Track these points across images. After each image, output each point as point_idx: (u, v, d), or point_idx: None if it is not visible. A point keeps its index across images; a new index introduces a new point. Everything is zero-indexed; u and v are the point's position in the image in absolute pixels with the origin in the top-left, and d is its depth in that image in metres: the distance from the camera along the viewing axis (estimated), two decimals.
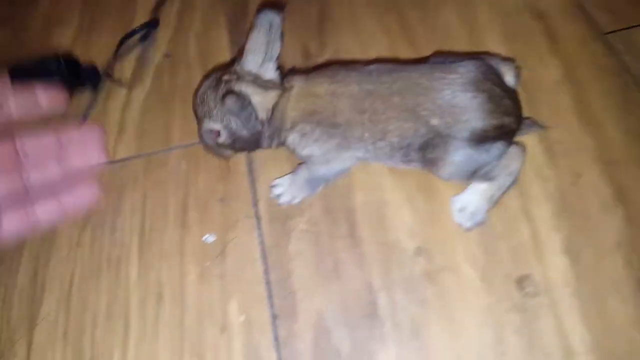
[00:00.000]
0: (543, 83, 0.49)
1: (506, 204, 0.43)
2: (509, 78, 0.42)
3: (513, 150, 0.41)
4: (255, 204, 0.46)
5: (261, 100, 0.41)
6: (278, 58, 0.43)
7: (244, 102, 0.40)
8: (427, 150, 0.39)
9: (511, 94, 0.40)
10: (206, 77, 0.44)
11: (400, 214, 0.43)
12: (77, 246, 0.47)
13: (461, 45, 0.53)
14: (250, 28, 0.41)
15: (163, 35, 0.61)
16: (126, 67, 0.58)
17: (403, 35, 0.55)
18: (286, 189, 0.46)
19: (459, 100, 0.37)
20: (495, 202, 0.41)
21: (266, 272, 0.43)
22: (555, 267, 0.40)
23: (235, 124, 0.41)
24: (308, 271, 0.42)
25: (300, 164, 0.46)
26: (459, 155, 0.38)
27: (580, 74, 0.49)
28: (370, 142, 0.40)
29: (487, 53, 0.49)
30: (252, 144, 0.44)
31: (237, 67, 0.42)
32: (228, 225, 0.46)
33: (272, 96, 0.42)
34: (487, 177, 0.40)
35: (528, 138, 0.45)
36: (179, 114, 0.53)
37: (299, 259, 0.43)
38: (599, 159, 0.44)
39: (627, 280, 0.39)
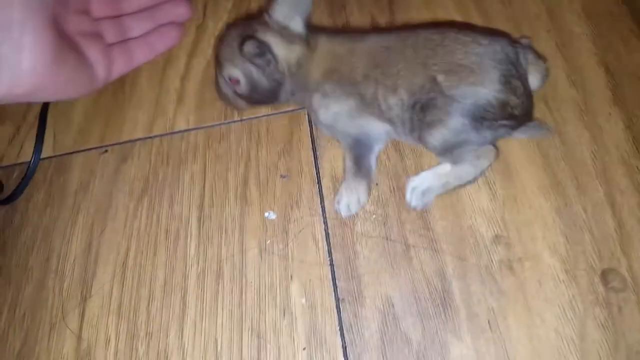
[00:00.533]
0: (629, 67, 0.46)
1: (589, 192, 0.40)
2: (534, 79, 0.41)
3: (489, 148, 0.39)
4: (318, 181, 0.45)
5: (284, 52, 0.41)
6: (308, 14, 0.42)
7: (263, 49, 0.40)
8: (427, 112, 0.37)
9: (525, 82, 0.38)
10: (233, 24, 0.45)
11: (478, 198, 0.41)
12: (133, 217, 0.46)
13: (540, 21, 0.49)
14: None
15: (225, 4, 0.59)
16: (187, 34, 0.57)
17: (478, 13, 0.52)
18: (347, 194, 0.42)
19: (469, 62, 0.36)
20: (446, 190, 0.40)
21: (330, 252, 0.41)
22: None
23: (255, 72, 0.41)
24: (375, 254, 0.40)
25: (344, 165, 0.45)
26: (455, 122, 0.37)
27: None
28: (383, 99, 0.39)
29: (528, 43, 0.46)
30: (270, 95, 0.44)
31: (265, 16, 0.42)
32: (290, 202, 0.44)
33: (296, 50, 0.41)
34: (457, 158, 0.39)
35: (612, 126, 0.43)
36: None
37: (365, 241, 0.41)
38: None
39: None
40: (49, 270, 0.44)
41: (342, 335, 0.38)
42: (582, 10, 0.51)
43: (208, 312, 0.40)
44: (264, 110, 0.50)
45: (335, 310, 0.39)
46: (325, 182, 0.45)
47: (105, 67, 0.46)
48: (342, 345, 0.37)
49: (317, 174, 0.45)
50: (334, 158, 0.46)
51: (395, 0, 0.55)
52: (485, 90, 0.36)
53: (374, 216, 0.42)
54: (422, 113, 0.38)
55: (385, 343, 0.37)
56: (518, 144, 0.43)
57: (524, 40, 0.44)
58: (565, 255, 0.38)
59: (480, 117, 0.37)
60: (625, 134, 0.42)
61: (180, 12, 0.53)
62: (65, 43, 0.40)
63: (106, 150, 0.50)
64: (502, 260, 0.38)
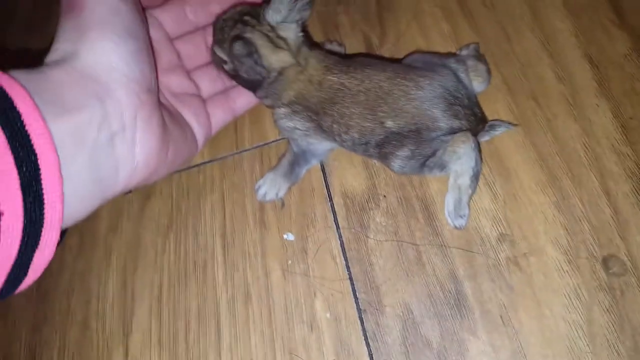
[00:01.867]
0: (612, 58, 0.48)
1: (584, 183, 0.42)
2: (477, 84, 0.44)
3: (457, 136, 0.40)
4: (330, 199, 0.48)
5: (269, 56, 0.42)
6: (303, 24, 0.44)
7: (251, 49, 0.41)
8: (382, 146, 0.41)
9: (466, 100, 0.41)
10: (236, 6, 0.45)
11: (480, 199, 0.44)
12: (162, 252, 0.49)
13: (524, 21, 0.52)
14: None
15: None
16: None
17: (465, 19, 0.54)
18: (269, 185, 0.48)
19: (410, 107, 0.39)
20: (469, 190, 0.41)
21: (348, 267, 0.44)
22: (639, 245, 0.40)
23: (239, 65, 0.43)
24: (390, 263, 0.43)
25: (282, 156, 0.49)
26: (405, 151, 0.40)
27: None
28: (337, 133, 0.42)
29: (456, 56, 0.49)
30: (248, 86, 0.46)
31: (262, 12, 0.43)
32: (306, 222, 0.47)
33: (280, 58, 0.42)
34: (439, 167, 0.41)
35: (600, 117, 0.45)
36: (248, 116, 0.54)
37: (379, 251, 0.44)
38: None
39: None
40: (91, 312, 0.48)
41: (367, 344, 0.41)
42: (563, 5, 0.53)
43: (241, 336, 0.43)
44: (272, 136, 0.53)
45: (358, 321, 0.42)
46: (337, 200, 0.48)
47: (204, 125, 0.45)
48: (369, 353, 0.40)
49: (327, 192, 0.48)
50: (343, 175, 0.48)
51: (384, 15, 0.57)
52: (429, 125, 0.40)
53: (385, 227, 0.45)
54: (377, 148, 0.41)
55: (408, 347, 0.40)
56: (513, 145, 0.45)
57: (470, 47, 0.49)
58: (566, 246, 0.41)
59: (427, 142, 0.40)
60: (614, 123, 0.45)
61: None
62: (166, 118, 0.39)
63: (130, 191, 0.54)
64: (509, 257, 0.41)
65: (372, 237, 0.45)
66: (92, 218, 0.53)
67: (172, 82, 0.45)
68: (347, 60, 0.44)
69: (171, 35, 0.46)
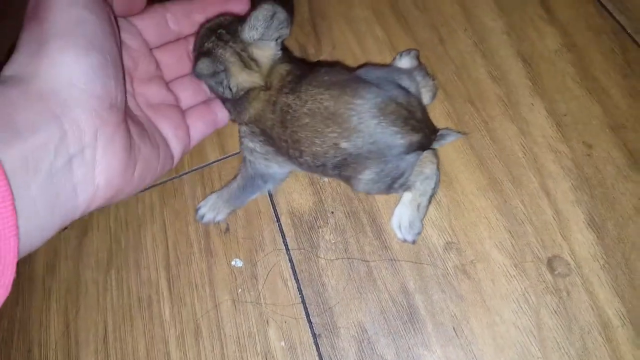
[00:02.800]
0: (543, 54, 0.48)
1: (524, 185, 0.43)
2: (426, 97, 0.44)
3: (425, 156, 0.41)
4: (277, 219, 0.46)
5: (237, 75, 0.41)
6: (281, 42, 0.42)
7: (216, 69, 0.40)
8: (342, 168, 0.39)
9: (419, 113, 0.40)
10: (223, 15, 0.44)
11: None
12: (104, 291, 0.47)
13: (456, 21, 0.52)
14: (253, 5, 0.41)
15: None
16: None
17: (398, 23, 0.53)
18: (209, 208, 0.47)
19: (364, 126, 0.37)
20: (425, 209, 0.42)
21: (300, 290, 0.43)
22: (581, 243, 0.40)
23: (205, 78, 0.41)
24: (342, 282, 0.43)
25: (233, 178, 0.47)
26: (369, 174, 0.39)
27: (578, 40, 0.49)
28: (294, 157, 0.40)
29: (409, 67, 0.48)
30: (215, 96, 0.45)
31: (239, 28, 0.41)
32: (254, 246, 0.46)
33: (249, 78, 0.41)
34: (404, 187, 0.41)
35: (535, 116, 0.45)
36: None
37: (330, 270, 0.43)
38: (608, 126, 0.44)
39: None
40: None
41: None
42: (494, 3, 0.53)
43: None
44: (212, 156, 0.51)
45: (314, 346, 0.41)
46: (284, 219, 0.46)
47: (182, 139, 0.42)
48: None
49: (274, 212, 0.47)
50: (289, 193, 0.47)
51: (317, 22, 0.56)
52: (387, 143, 0.37)
53: (334, 245, 0.44)
54: (336, 170, 0.39)
55: None
56: (452, 150, 0.45)
57: (410, 53, 0.48)
58: (512, 250, 0.41)
59: (390, 160, 0.38)
60: (548, 121, 0.45)
61: None
62: (135, 134, 0.36)
63: (65, 228, 0.50)
64: (457, 266, 0.41)
65: (322, 256, 0.44)
66: (27, 259, 0.50)
67: (150, 92, 0.42)
68: (306, 75, 0.41)
69: (151, 44, 0.43)
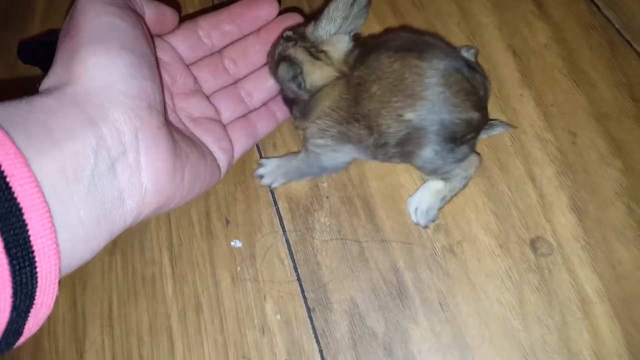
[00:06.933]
0: (534, 49, 0.50)
1: (511, 170, 0.45)
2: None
3: (473, 157, 0.43)
4: (275, 203, 0.48)
5: (311, 72, 0.40)
6: (356, 34, 0.42)
7: (296, 71, 0.40)
8: (404, 144, 0.39)
9: (482, 91, 0.40)
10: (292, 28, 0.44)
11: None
12: (109, 271, 0.49)
13: (452, 18, 0.54)
14: None
15: None
16: None
17: (394, 14, 0.55)
18: (270, 171, 0.48)
19: (428, 93, 0.36)
20: (446, 202, 0.44)
21: (295, 268, 0.45)
22: (564, 225, 0.42)
23: (288, 85, 0.41)
24: (335, 261, 0.45)
25: (295, 153, 0.49)
26: (428, 151, 0.38)
27: (568, 35, 0.50)
28: (362, 140, 0.40)
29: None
30: (289, 103, 0.46)
31: (306, 29, 0.41)
32: (252, 228, 0.48)
33: (323, 73, 0.40)
34: (445, 177, 0.42)
35: (525, 106, 0.47)
36: None
37: (325, 251, 0.45)
38: (593, 116, 0.46)
39: (629, 226, 0.41)
40: (42, 332, 0.47)
41: (317, 341, 0.42)
42: (488, 1, 0.55)
43: (194, 346, 0.44)
44: None
45: (308, 320, 0.43)
46: (282, 204, 0.49)
47: (226, 151, 0.43)
48: (319, 350, 0.42)
49: (272, 197, 0.49)
50: None
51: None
52: (448, 116, 0.37)
53: (329, 227, 0.46)
54: (398, 147, 0.39)
55: (356, 340, 0.42)
56: None
57: (470, 52, 0.48)
58: (497, 231, 0.43)
59: (451, 140, 0.38)
60: (537, 111, 0.47)
61: None
62: (180, 141, 0.36)
63: None
64: (444, 246, 0.43)
65: (317, 237, 0.46)
66: None
67: (191, 107, 0.42)
68: (374, 47, 0.40)
69: (187, 60, 0.44)
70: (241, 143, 0.45)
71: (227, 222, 0.48)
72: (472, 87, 0.38)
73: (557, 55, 0.50)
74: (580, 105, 0.47)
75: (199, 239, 0.48)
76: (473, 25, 0.53)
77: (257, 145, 0.52)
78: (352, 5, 0.39)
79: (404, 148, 0.39)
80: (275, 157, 0.50)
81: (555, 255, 0.41)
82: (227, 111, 0.46)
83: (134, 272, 0.48)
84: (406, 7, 0.56)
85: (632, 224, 0.41)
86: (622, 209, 0.42)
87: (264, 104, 0.48)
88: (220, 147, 0.42)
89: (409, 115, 0.37)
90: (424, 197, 0.44)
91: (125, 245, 0.49)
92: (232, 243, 0.47)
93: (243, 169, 0.51)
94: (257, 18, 0.46)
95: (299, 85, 0.40)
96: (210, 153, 0.41)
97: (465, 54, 0.47)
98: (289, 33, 0.42)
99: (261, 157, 0.51)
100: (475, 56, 0.49)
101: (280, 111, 0.48)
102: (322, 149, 0.44)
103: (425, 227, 0.44)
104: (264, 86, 0.47)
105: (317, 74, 0.40)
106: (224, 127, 0.45)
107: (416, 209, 0.44)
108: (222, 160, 0.42)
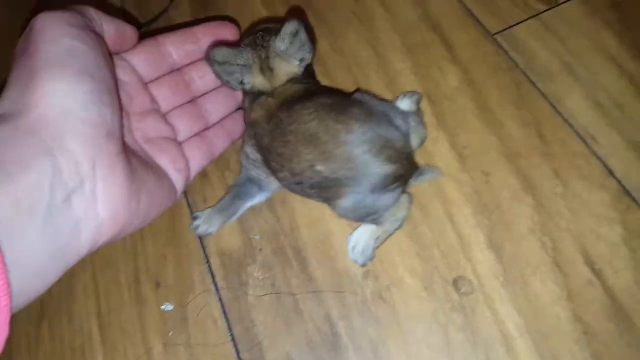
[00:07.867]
0: (446, 92, 0.53)
1: (431, 212, 0.47)
2: (414, 142, 0.46)
3: (403, 199, 0.45)
4: (207, 259, 0.48)
5: (255, 75, 0.44)
6: (304, 65, 0.46)
7: (234, 61, 0.43)
8: (320, 190, 0.41)
9: (399, 144, 0.42)
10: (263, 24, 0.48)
11: (344, 240, 0.47)
12: (36, 342, 0.47)
13: (370, 65, 0.56)
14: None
15: None
16: None
17: (318, 64, 0.57)
18: (204, 220, 0.48)
19: (340, 151, 0.38)
20: (382, 241, 0.45)
21: (230, 328, 0.45)
22: (482, 263, 0.44)
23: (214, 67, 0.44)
24: (270, 317, 0.45)
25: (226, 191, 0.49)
26: (346, 202, 0.40)
27: (476, 77, 0.54)
28: (275, 170, 0.42)
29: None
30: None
31: (271, 41, 0.44)
32: (184, 288, 0.47)
33: (260, 82, 0.44)
34: (375, 222, 0.44)
35: (440, 149, 0.50)
36: None
37: (259, 306, 0.45)
38: (504, 154, 0.49)
39: (543, 260, 0.44)
40: None
41: None
42: (402, 45, 0.58)
43: None
44: None
45: None
46: (214, 260, 0.48)
47: (182, 171, 0.43)
48: None
49: (204, 253, 0.49)
50: (218, 233, 0.49)
51: None
52: (362, 171, 0.39)
53: (262, 281, 0.47)
54: (315, 189, 0.40)
55: None
56: None
57: (413, 98, 0.50)
58: (422, 273, 0.45)
59: (371, 191, 0.40)
60: (451, 152, 0.50)
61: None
62: (137, 165, 0.35)
63: None
64: (374, 292, 0.44)
65: (251, 293, 0.46)
66: None
67: (147, 127, 0.42)
68: (307, 96, 0.42)
69: (145, 78, 0.43)
70: (197, 161, 0.45)
71: (158, 284, 0.48)
72: (387, 140, 0.40)
73: (468, 97, 0.53)
74: (491, 145, 0.50)
75: (129, 305, 0.47)
76: (390, 72, 0.56)
77: (187, 201, 0.51)
78: (294, 36, 0.42)
79: (322, 194, 0.41)
80: (207, 208, 0.50)
81: (476, 294, 0.43)
82: (186, 129, 0.46)
83: (62, 343, 0.46)
84: (327, 53, 0.58)
85: (546, 257, 0.44)
86: (536, 244, 0.45)
87: (219, 122, 0.49)
88: (176, 168, 0.42)
89: (320, 167, 0.39)
90: (361, 237, 0.45)
91: (53, 315, 0.48)
92: (163, 307, 0.47)
93: (173, 226, 0.51)
94: (220, 40, 0.47)
95: (230, 74, 0.44)
96: (166, 175, 0.41)
97: (407, 100, 0.50)
98: (261, 34, 0.44)
99: (192, 212, 0.51)
100: (418, 102, 0.51)
101: (235, 128, 0.49)
102: (248, 162, 0.46)
103: (363, 265, 0.45)
104: (222, 103, 0.49)
105: (259, 80, 0.44)
106: (180, 146, 0.45)
107: (353, 248, 0.46)
108: (178, 180, 0.42)
